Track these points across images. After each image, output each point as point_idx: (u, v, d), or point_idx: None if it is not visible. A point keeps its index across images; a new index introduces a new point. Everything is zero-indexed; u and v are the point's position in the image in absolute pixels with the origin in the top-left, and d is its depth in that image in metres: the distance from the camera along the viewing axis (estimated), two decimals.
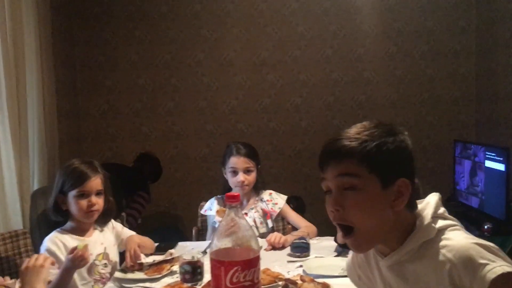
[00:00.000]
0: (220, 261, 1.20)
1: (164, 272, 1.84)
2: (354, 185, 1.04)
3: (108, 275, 1.98)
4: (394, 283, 1.12)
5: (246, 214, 2.44)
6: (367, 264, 1.23)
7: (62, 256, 1.88)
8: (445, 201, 1.17)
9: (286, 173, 4.33)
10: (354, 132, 1.07)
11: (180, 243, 2.30)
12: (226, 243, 1.22)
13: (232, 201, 1.24)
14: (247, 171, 2.41)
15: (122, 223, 2.34)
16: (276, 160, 4.29)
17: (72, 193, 1.92)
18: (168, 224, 4.12)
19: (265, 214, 2.49)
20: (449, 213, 1.13)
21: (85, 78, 4.21)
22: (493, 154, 3.13)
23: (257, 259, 1.22)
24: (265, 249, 2.16)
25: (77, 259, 1.75)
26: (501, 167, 3.01)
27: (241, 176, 2.39)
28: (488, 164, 3.19)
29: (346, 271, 1.36)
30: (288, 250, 2.14)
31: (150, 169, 3.78)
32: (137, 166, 3.77)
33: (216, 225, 2.35)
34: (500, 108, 3.97)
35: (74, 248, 1.76)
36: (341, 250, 2.07)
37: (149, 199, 3.68)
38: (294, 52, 4.29)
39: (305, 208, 3.81)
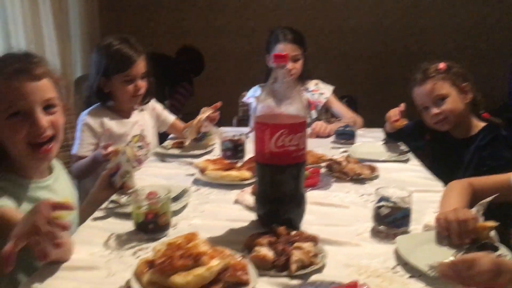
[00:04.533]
0: (265, 124, 1.14)
1: (205, 150, 1.83)
2: None
3: (142, 157, 1.95)
4: None
5: None
6: None
7: (98, 131, 1.86)
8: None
9: (330, 75, 4.12)
10: None
11: (222, 128, 2.25)
12: (272, 106, 1.15)
13: (280, 61, 1.15)
14: (294, 59, 2.27)
15: None
16: (320, 61, 4.09)
17: (117, 78, 1.84)
18: None
19: (310, 105, 2.39)
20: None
21: None
22: None
23: (303, 125, 1.15)
24: (309, 137, 2.09)
25: (106, 156, 1.63)
26: None
27: (289, 65, 2.21)
28: None
29: None
30: (332, 138, 2.07)
31: (192, 61, 3.70)
32: (179, 58, 3.70)
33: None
34: None
35: (108, 145, 1.61)
36: (388, 139, 1.98)
37: (192, 90, 3.64)
38: None
39: None
